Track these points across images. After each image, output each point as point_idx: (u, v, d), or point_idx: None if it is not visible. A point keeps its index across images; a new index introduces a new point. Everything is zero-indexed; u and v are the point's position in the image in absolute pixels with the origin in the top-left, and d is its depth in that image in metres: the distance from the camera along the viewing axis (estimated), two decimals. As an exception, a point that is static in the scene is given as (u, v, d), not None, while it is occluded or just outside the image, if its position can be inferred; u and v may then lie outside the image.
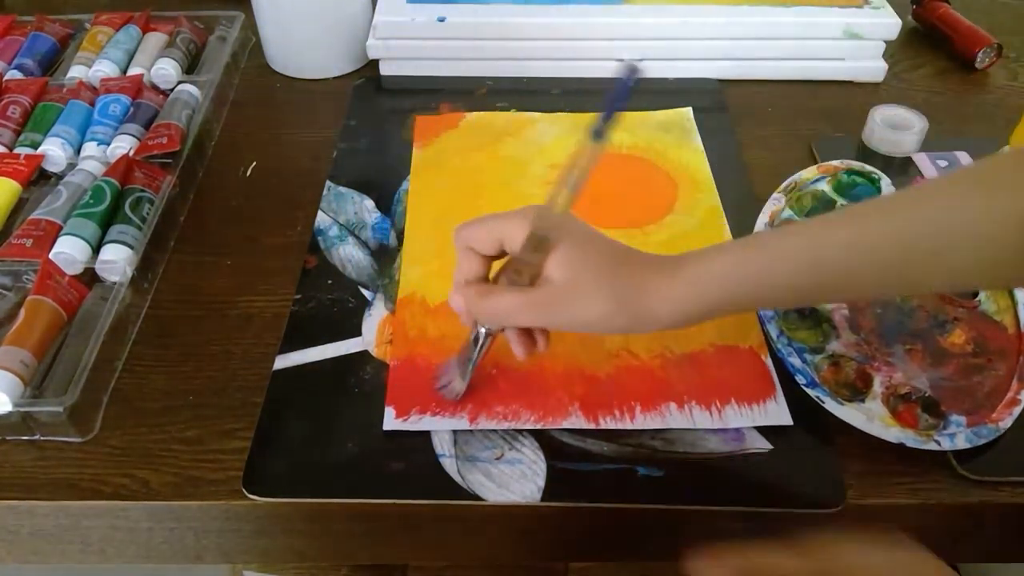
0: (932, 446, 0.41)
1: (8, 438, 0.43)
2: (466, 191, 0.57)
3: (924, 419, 0.43)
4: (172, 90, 0.61)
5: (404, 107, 0.66)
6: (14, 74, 0.64)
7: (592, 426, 0.43)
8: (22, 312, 0.45)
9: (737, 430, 0.43)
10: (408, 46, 0.68)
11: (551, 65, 0.69)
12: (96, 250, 0.49)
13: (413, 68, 0.69)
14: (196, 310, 0.50)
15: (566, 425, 0.43)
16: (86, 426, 0.43)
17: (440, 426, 0.43)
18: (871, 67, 0.69)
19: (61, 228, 0.50)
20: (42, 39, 0.67)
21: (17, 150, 0.57)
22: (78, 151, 0.57)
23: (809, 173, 0.55)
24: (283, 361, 0.46)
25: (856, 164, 0.55)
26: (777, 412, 0.44)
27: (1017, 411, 0.42)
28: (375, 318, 0.49)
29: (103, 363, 0.45)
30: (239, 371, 0.46)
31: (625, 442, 0.43)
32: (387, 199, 0.57)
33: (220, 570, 0.81)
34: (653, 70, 0.69)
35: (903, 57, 0.73)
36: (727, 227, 0.55)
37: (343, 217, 0.56)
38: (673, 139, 0.62)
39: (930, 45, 0.75)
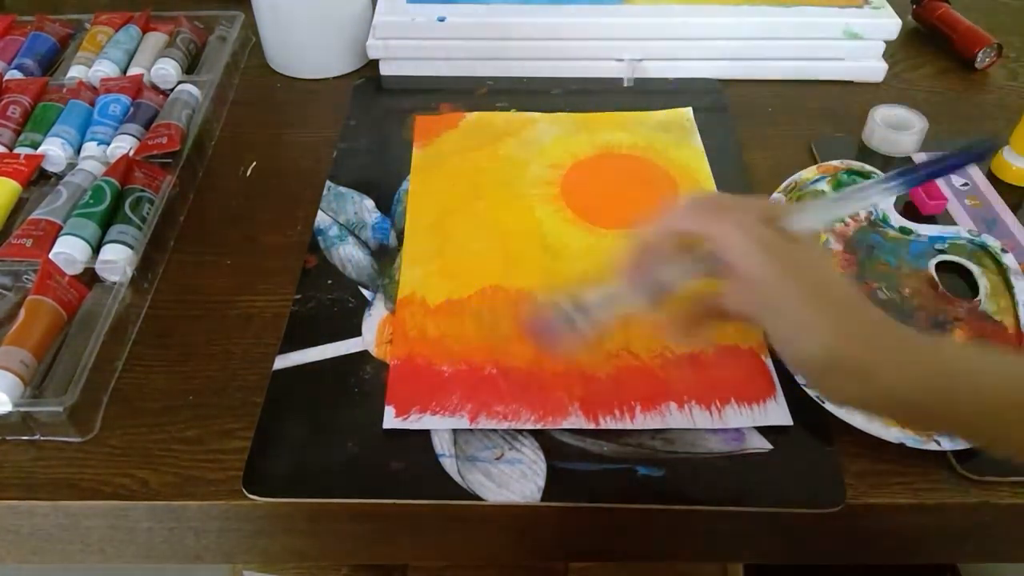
0: (932, 446, 0.41)
1: (8, 438, 0.43)
2: (466, 191, 0.57)
3: (924, 419, 0.43)
4: (172, 90, 0.61)
5: (404, 107, 0.66)
6: (14, 74, 0.64)
7: (592, 426, 0.43)
8: (22, 312, 0.45)
9: (737, 430, 0.43)
10: (408, 46, 0.68)
11: (551, 65, 0.69)
12: (96, 250, 0.49)
13: (413, 68, 0.69)
14: (196, 310, 0.50)
15: (566, 425, 0.43)
16: (86, 426, 0.43)
17: (440, 425, 0.43)
18: (871, 67, 0.69)
19: (61, 228, 0.50)
20: (42, 39, 0.67)
21: (17, 150, 0.57)
22: (78, 151, 0.57)
23: (809, 173, 0.55)
24: (283, 361, 0.46)
25: (856, 164, 0.55)
26: (777, 412, 0.44)
27: (1017, 411, 0.42)
28: (375, 318, 0.49)
29: (103, 363, 0.45)
30: (239, 371, 0.46)
31: (625, 442, 0.43)
32: (387, 199, 0.57)
33: (220, 570, 0.81)
34: (653, 70, 0.69)
35: (903, 57, 0.73)
36: (727, 227, 0.55)
37: (343, 217, 0.56)
38: (673, 139, 0.62)
39: (930, 45, 0.75)
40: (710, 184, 0.58)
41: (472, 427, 0.43)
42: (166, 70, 0.63)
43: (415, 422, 0.43)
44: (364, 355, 0.47)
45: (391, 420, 0.43)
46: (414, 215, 0.55)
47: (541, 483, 0.41)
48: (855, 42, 0.67)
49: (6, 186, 0.54)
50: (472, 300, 0.50)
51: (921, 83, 0.70)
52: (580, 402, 0.44)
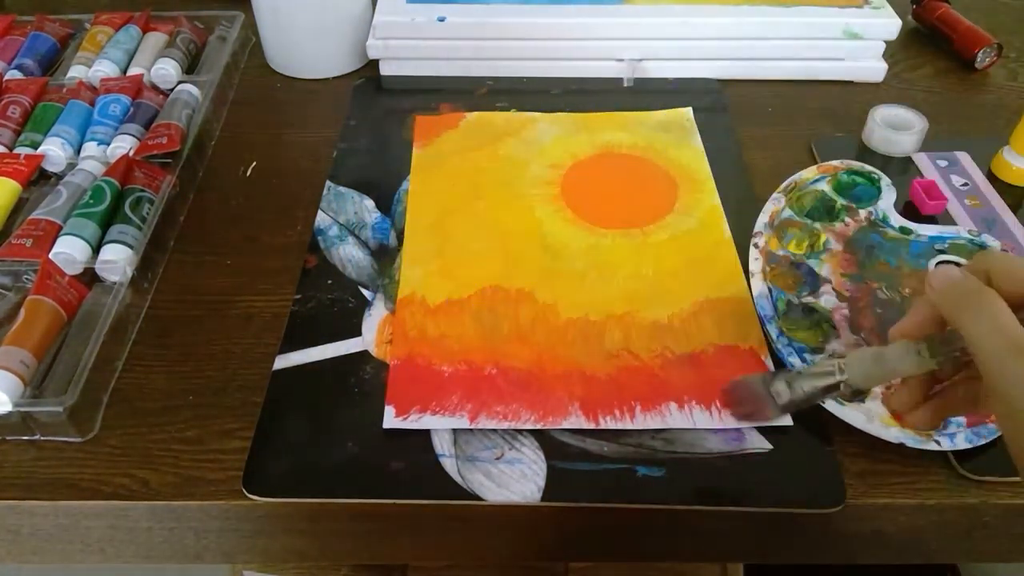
0: (932, 446, 0.41)
1: (8, 438, 0.43)
2: (466, 191, 0.58)
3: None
4: (172, 90, 0.61)
5: (404, 107, 0.66)
6: (14, 74, 0.64)
7: (592, 426, 0.43)
8: (22, 312, 0.45)
9: (737, 430, 0.43)
10: (408, 46, 0.68)
11: (551, 65, 0.69)
12: (96, 250, 0.49)
13: (413, 68, 0.69)
14: (196, 310, 0.50)
15: (566, 425, 0.43)
16: (86, 426, 0.43)
17: (440, 425, 0.43)
18: (871, 67, 0.69)
19: (61, 228, 0.50)
20: (42, 39, 0.67)
21: (17, 150, 0.57)
22: (78, 151, 0.57)
23: (809, 173, 0.55)
24: (283, 361, 0.46)
25: (856, 164, 0.55)
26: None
27: (1017, 411, 0.42)
28: (375, 318, 0.49)
29: (103, 363, 0.45)
30: (239, 371, 0.46)
31: (625, 442, 0.43)
32: (387, 199, 0.57)
33: (220, 570, 0.81)
34: (653, 70, 0.69)
35: (903, 57, 0.73)
36: (727, 227, 0.55)
37: (343, 217, 0.56)
38: (673, 139, 0.62)
39: (930, 45, 0.75)
40: (710, 184, 0.58)
41: (472, 427, 0.43)
42: (166, 70, 0.63)
43: (415, 422, 0.43)
44: (364, 355, 0.47)
45: (391, 420, 0.43)
46: (414, 215, 0.55)
47: (541, 483, 0.41)
48: (855, 42, 0.67)
49: (6, 186, 0.54)
50: (472, 300, 0.50)
51: (921, 83, 0.70)
52: (580, 402, 0.44)
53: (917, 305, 0.35)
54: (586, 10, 0.67)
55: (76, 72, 0.63)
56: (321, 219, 0.55)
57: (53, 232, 0.50)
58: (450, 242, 0.54)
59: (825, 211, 0.53)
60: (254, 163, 0.60)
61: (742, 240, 0.52)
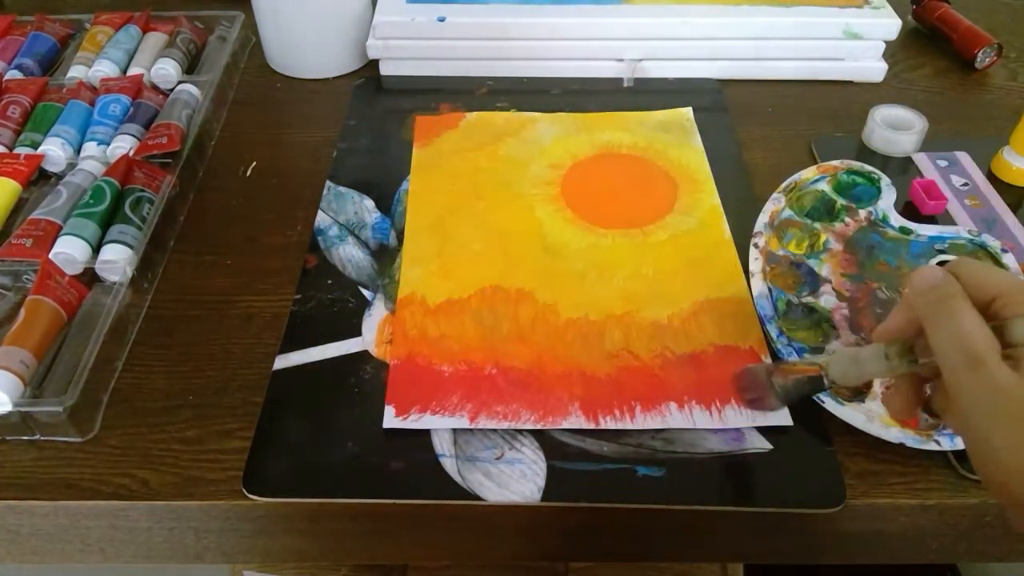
0: (932, 446, 0.41)
1: (8, 438, 0.43)
2: (466, 191, 0.58)
3: (924, 419, 0.43)
4: (172, 90, 0.61)
5: (404, 107, 0.66)
6: (14, 74, 0.64)
7: (592, 426, 0.43)
8: (22, 312, 0.45)
9: (737, 430, 0.43)
10: (408, 46, 0.68)
11: (551, 65, 0.69)
12: (96, 250, 0.49)
13: (413, 68, 0.69)
14: (196, 310, 0.50)
15: (566, 425, 0.43)
16: (86, 426, 0.43)
17: (440, 425, 0.43)
18: (871, 67, 0.69)
19: (61, 228, 0.50)
20: (42, 39, 0.67)
21: (17, 150, 0.57)
22: (78, 151, 0.57)
23: (809, 173, 0.55)
24: (283, 361, 0.46)
25: (856, 164, 0.55)
26: (777, 412, 0.44)
27: (1017, 411, 0.42)
28: (375, 318, 0.49)
29: (103, 363, 0.45)
30: (239, 371, 0.46)
31: (625, 442, 0.43)
32: (387, 199, 0.57)
33: (220, 570, 0.81)
34: (653, 70, 0.69)
35: (903, 57, 0.73)
36: (727, 227, 0.55)
37: (343, 217, 0.56)
38: (673, 139, 0.62)
39: (930, 45, 0.75)
40: (710, 184, 0.58)
41: (472, 427, 0.43)
42: (166, 70, 0.63)
43: (415, 422, 0.43)
44: (364, 355, 0.47)
45: (391, 420, 0.43)
46: (414, 215, 0.55)
47: (541, 483, 0.41)
48: (855, 42, 0.67)
49: (6, 186, 0.54)
50: (472, 300, 0.50)
51: (921, 83, 0.70)
52: (580, 402, 0.44)
53: (897, 308, 0.34)
54: (586, 10, 0.67)
55: (76, 72, 0.63)
56: (321, 219, 0.55)
57: (53, 232, 0.50)
58: (450, 242, 0.54)
59: (825, 211, 0.53)
60: (254, 163, 0.60)
61: (742, 240, 0.52)
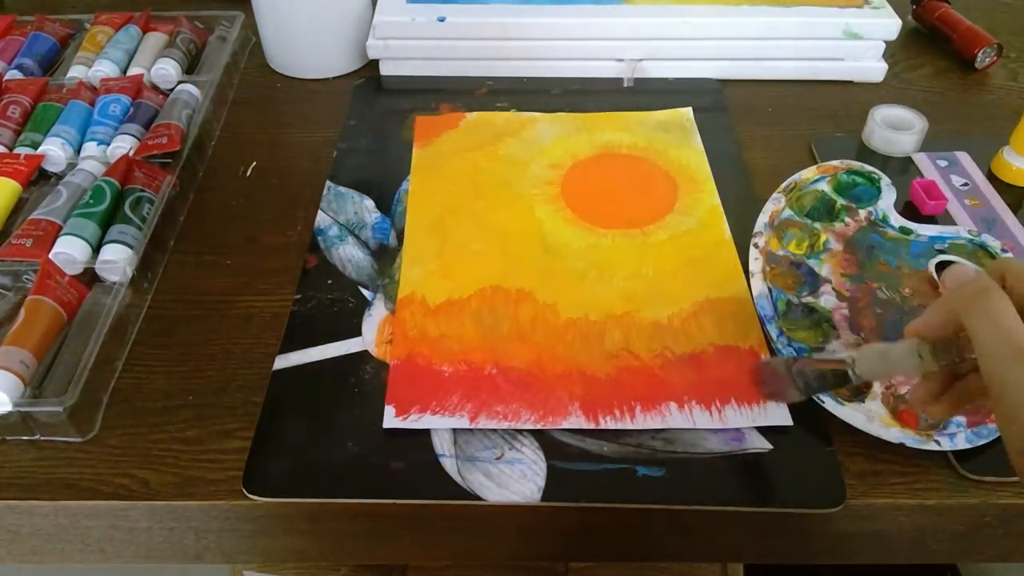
0: (932, 446, 0.41)
1: (8, 438, 0.43)
2: (466, 191, 0.58)
3: (924, 419, 0.43)
4: (172, 90, 0.61)
5: (404, 107, 0.66)
6: (14, 74, 0.64)
7: (592, 426, 0.43)
8: (22, 312, 0.45)
9: (737, 430, 0.43)
10: (408, 46, 0.68)
11: (551, 65, 0.69)
12: (96, 250, 0.49)
13: (413, 68, 0.69)
14: (196, 310, 0.50)
15: (566, 425, 0.43)
16: (86, 426, 0.43)
17: (440, 425, 0.43)
18: (871, 67, 0.69)
19: (61, 228, 0.50)
20: (42, 39, 0.67)
21: (17, 150, 0.57)
22: (78, 151, 0.57)
23: (809, 173, 0.55)
24: (283, 361, 0.46)
25: (856, 164, 0.55)
26: (777, 412, 0.44)
27: (1017, 411, 0.42)
28: (375, 318, 0.49)
29: (103, 363, 0.45)
30: (239, 371, 0.46)
31: (625, 442, 0.43)
32: (387, 199, 0.57)
33: (220, 570, 0.81)
34: (653, 70, 0.69)
35: (903, 57, 0.73)
36: (727, 227, 0.55)
37: (343, 217, 0.56)
38: (673, 139, 0.62)
39: (930, 45, 0.75)
40: (710, 184, 0.58)
41: (472, 427, 0.43)
42: (166, 70, 0.63)
43: (415, 422, 0.43)
44: (364, 355, 0.47)
45: (391, 420, 0.43)
46: (414, 215, 0.55)
47: (541, 483, 0.41)
48: (855, 42, 0.67)
49: (6, 186, 0.54)
50: (472, 300, 0.50)
51: (921, 83, 0.70)
52: (580, 402, 0.44)
53: (934, 306, 0.34)
54: (586, 10, 0.67)
55: (76, 72, 0.63)
56: (321, 219, 0.55)
57: (53, 232, 0.50)
58: (450, 242, 0.54)
59: (825, 211, 0.53)
60: (254, 163, 0.60)
61: (742, 240, 0.52)
